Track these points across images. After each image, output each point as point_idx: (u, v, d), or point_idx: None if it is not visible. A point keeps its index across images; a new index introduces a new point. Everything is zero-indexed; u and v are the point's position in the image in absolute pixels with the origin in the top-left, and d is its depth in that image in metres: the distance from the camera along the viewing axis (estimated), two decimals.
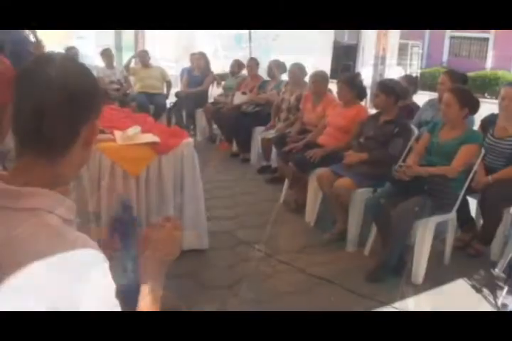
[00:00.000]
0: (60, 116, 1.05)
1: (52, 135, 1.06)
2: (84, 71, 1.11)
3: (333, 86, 5.54)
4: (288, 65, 6.31)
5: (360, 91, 4.75)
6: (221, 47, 12.81)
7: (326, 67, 12.73)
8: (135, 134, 3.47)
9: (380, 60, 12.24)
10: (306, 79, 5.73)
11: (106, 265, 1.04)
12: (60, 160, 1.09)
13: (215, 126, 7.66)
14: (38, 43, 4.38)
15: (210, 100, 7.96)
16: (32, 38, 4.53)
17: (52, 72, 1.05)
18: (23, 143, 1.08)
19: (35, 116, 1.04)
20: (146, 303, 1.30)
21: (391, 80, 4.66)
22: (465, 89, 3.72)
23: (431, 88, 12.05)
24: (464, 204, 3.97)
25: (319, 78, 5.33)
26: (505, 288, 3.29)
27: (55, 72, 1.05)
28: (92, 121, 1.12)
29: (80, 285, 0.96)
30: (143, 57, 8.00)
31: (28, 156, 1.07)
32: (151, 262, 1.39)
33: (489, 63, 19.29)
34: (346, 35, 20.24)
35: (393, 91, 4.12)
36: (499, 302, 3.25)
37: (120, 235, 1.47)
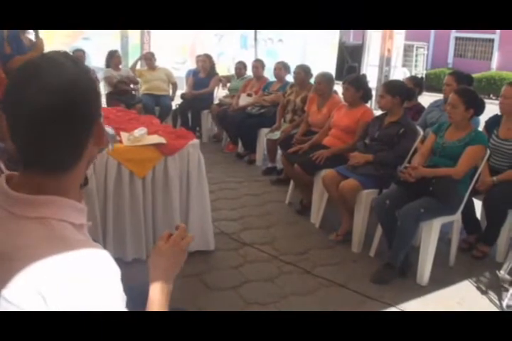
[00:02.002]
0: (75, 122, 1.01)
1: (66, 145, 1.02)
2: (85, 69, 1.06)
3: (338, 87, 5.54)
4: (293, 67, 6.32)
5: (365, 93, 4.75)
6: (226, 48, 12.81)
7: (331, 69, 12.72)
8: (141, 136, 3.48)
9: (385, 61, 12.22)
10: (312, 80, 5.73)
11: (115, 270, 1.02)
12: (72, 168, 1.06)
13: (220, 128, 7.68)
14: (39, 42, 4.39)
15: (216, 102, 7.97)
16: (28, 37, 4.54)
17: (58, 74, 0.99)
18: (31, 158, 1.03)
19: (45, 126, 0.98)
20: (154, 305, 1.32)
21: (396, 81, 4.66)
22: (470, 90, 3.72)
23: (436, 89, 12.02)
24: (469, 206, 3.97)
25: (324, 79, 5.33)
26: (511, 290, 3.28)
27: (51, 77, 0.98)
28: (99, 120, 1.07)
29: (83, 288, 0.95)
30: (149, 59, 8.01)
31: (36, 173, 1.03)
32: (160, 270, 1.42)
33: (494, 64, 19.22)
34: (351, 36, 20.25)
35: (399, 92, 4.12)
36: (504, 304, 3.25)
37: None
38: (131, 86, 7.81)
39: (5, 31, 4.17)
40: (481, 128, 4.17)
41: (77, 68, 1.03)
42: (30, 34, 4.64)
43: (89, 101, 1.03)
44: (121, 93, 7.54)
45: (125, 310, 1.02)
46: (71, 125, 1.00)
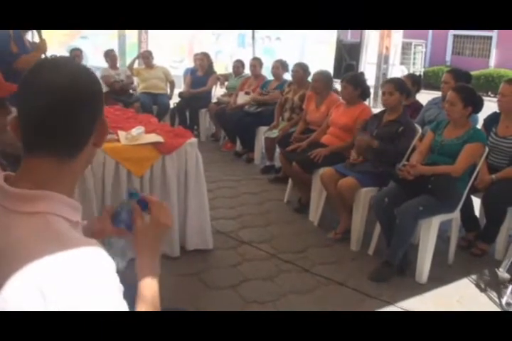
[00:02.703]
0: (75, 114, 1.06)
1: (67, 135, 1.07)
2: (88, 71, 1.12)
3: (337, 85, 5.54)
4: (291, 65, 6.32)
5: (363, 91, 4.75)
6: (224, 47, 12.80)
7: (330, 67, 12.71)
8: (139, 134, 3.47)
9: (383, 59, 12.23)
10: (310, 78, 5.73)
11: (111, 265, 1.03)
12: (71, 161, 1.09)
13: (218, 126, 7.67)
14: (42, 43, 4.39)
15: (214, 100, 7.96)
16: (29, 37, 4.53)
17: (62, 72, 1.06)
18: (34, 144, 1.07)
19: (49, 116, 1.04)
20: (146, 283, 1.31)
21: (399, 78, 4.65)
22: (469, 88, 3.72)
23: (434, 87, 12.03)
24: (468, 204, 3.97)
25: (321, 77, 5.33)
26: (510, 287, 3.28)
27: (65, 72, 1.06)
28: (101, 118, 1.13)
29: (82, 284, 0.95)
30: (146, 58, 8.00)
31: (37, 158, 1.07)
32: (148, 237, 1.39)
33: (492, 62, 19.24)
34: (349, 34, 20.23)
35: (405, 89, 4.13)
36: (504, 302, 3.25)
37: (123, 224, 1.47)
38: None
39: (10, 30, 4.17)
40: (479, 125, 4.17)
41: (78, 69, 1.10)
42: (28, 35, 4.64)
43: (89, 100, 1.09)
44: (119, 93, 7.53)
45: (124, 302, 1.03)
46: (71, 122, 1.06)
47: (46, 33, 4.39)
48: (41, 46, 4.36)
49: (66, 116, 1.05)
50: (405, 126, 4.06)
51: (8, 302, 0.95)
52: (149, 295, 1.29)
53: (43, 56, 4.25)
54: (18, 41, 4.21)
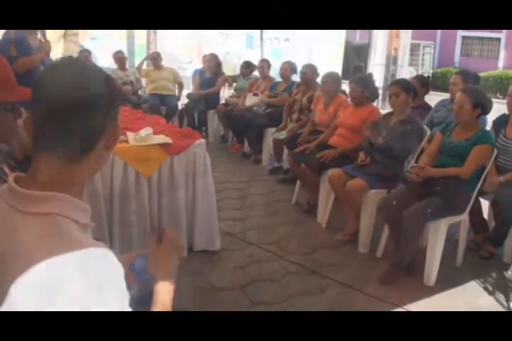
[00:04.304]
0: (86, 115, 1.06)
1: (78, 134, 1.07)
2: (102, 73, 1.12)
3: (345, 87, 5.53)
4: (299, 66, 6.32)
5: (372, 92, 4.74)
6: (232, 48, 12.80)
7: (338, 68, 12.69)
8: (147, 135, 3.48)
9: (392, 60, 12.20)
10: (319, 80, 5.73)
11: (119, 267, 1.03)
12: (80, 161, 1.09)
13: (226, 128, 7.68)
14: (46, 44, 4.42)
15: (222, 101, 7.97)
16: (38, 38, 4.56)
17: (75, 73, 1.06)
18: (44, 143, 1.07)
19: (60, 115, 1.04)
20: (161, 297, 1.36)
21: (404, 79, 4.65)
22: (477, 89, 3.70)
23: (443, 88, 11.98)
24: (477, 206, 3.95)
25: (330, 79, 5.32)
26: None
27: (78, 74, 1.06)
28: (114, 121, 1.13)
29: (88, 286, 0.95)
30: (155, 59, 8.02)
31: (46, 157, 1.07)
32: (162, 260, 1.48)
33: (501, 63, 19.15)
34: (358, 36, 20.20)
35: (412, 90, 4.12)
36: (511, 305, 3.24)
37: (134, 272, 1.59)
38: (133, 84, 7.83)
39: (12, 34, 4.21)
40: (488, 127, 4.15)
41: (89, 70, 1.10)
42: (39, 35, 4.67)
43: (98, 101, 1.08)
44: (127, 94, 7.54)
45: (128, 308, 1.02)
46: (77, 123, 1.06)
47: (54, 35, 4.43)
48: (45, 48, 4.41)
49: (71, 117, 1.04)
50: (413, 126, 4.04)
51: (14, 302, 0.95)
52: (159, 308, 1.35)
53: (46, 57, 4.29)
54: (18, 44, 4.25)
